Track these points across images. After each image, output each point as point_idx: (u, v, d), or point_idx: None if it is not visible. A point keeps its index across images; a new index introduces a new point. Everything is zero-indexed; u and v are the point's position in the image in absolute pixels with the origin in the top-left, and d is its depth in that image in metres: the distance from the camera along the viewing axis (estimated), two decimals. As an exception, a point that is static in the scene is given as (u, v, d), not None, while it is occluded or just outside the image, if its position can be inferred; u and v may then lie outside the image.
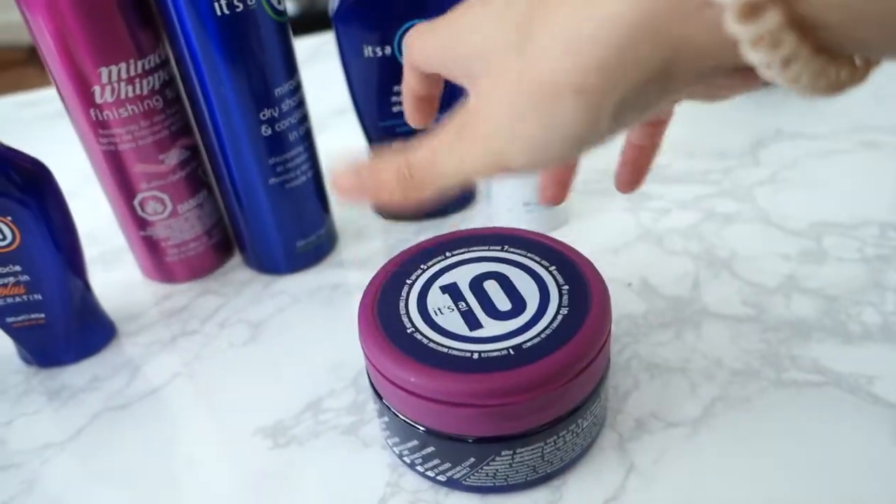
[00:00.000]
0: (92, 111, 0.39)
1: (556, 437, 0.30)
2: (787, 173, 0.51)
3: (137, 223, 0.44)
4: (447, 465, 0.31)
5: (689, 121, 0.59)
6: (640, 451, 0.33)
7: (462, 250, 0.35)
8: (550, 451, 0.31)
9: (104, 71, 0.37)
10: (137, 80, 0.38)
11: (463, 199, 0.50)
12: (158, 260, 0.45)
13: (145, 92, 0.39)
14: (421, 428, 0.30)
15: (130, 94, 0.38)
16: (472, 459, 0.30)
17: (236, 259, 0.48)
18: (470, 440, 0.30)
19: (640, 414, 0.35)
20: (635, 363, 0.37)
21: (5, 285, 0.37)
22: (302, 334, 0.42)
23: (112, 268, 0.49)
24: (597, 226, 0.48)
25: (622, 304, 0.41)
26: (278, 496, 0.33)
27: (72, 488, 0.35)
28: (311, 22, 0.84)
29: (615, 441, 0.34)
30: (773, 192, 0.49)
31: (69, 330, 0.40)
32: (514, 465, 0.30)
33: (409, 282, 0.33)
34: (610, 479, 0.32)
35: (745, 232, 0.46)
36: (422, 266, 0.34)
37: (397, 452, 0.33)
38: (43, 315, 0.39)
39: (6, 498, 0.34)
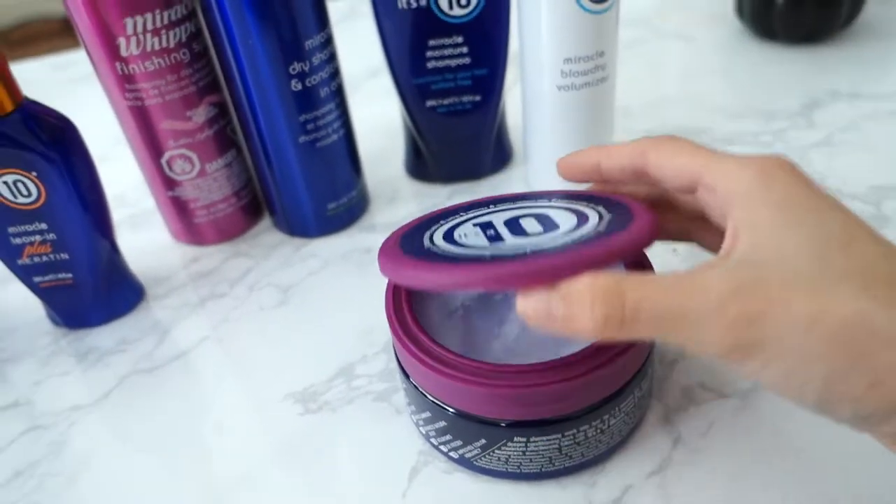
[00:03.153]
0: (118, 65, 0.37)
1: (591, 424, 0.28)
2: (843, 136, 0.48)
3: (165, 183, 0.42)
4: (458, 442, 0.29)
5: (735, 81, 0.57)
6: (688, 422, 0.31)
7: (509, 205, 0.32)
8: (569, 445, 0.28)
9: (129, 22, 0.36)
10: (163, 32, 0.37)
11: (499, 160, 0.48)
12: (187, 221, 0.44)
13: (172, 45, 0.37)
14: (434, 400, 0.29)
15: (156, 47, 0.37)
16: (484, 441, 0.28)
17: (266, 222, 0.47)
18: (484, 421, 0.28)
19: (687, 383, 0.33)
20: (682, 331, 0.35)
21: (32, 243, 0.36)
22: (333, 299, 0.41)
23: (141, 230, 0.48)
24: (640, 189, 0.45)
25: (667, 269, 0.39)
26: (309, 463, 0.32)
27: (99, 451, 0.34)
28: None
29: (661, 412, 0.32)
30: (829, 155, 0.46)
31: (97, 291, 0.39)
32: (527, 453, 0.28)
33: (442, 223, 0.31)
34: (655, 451, 0.30)
35: (799, 196, 0.43)
36: (462, 213, 0.31)
37: (414, 421, 0.31)
38: (70, 275, 0.38)
39: (34, 459, 0.34)
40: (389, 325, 0.30)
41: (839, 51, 0.57)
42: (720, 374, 0.33)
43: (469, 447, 0.29)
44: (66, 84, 0.67)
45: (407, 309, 0.30)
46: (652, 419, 0.32)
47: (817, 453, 0.30)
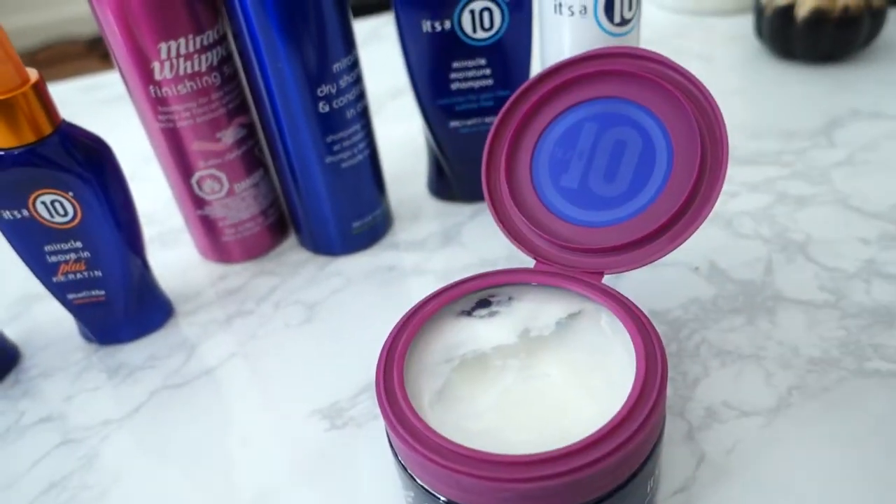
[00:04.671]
0: (151, 88, 0.38)
1: None
2: (865, 155, 0.48)
3: (195, 202, 0.43)
4: None
5: (756, 100, 0.57)
6: (712, 441, 0.32)
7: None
8: None
9: (163, 46, 0.37)
10: (196, 56, 0.38)
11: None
12: (215, 240, 0.45)
13: (203, 68, 0.38)
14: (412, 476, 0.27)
15: (189, 71, 0.38)
16: None
17: (292, 240, 0.48)
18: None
19: (710, 402, 0.33)
20: (704, 349, 0.36)
21: (67, 261, 0.37)
22: (357, 315, 0.41)
23: (170, 248, 0.49)
24: (661, 208, 0.46)
25: (689, 288, 0.39)
26: (336, 478, 0.33)
27: (129, 465, 0.35)
28: (368, 3, 0.83)
29: (684, 430, 0.32)
30: (851, 174, 0.46)
31: (128, 308, 0.40)
32: None
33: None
34: (679, 469, 0.31)
35: (820, 215, 0.43)
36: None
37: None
38: (103, 292, 0.39)
39: (66, 472, 0.34)
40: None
41: (859, 70, 0.57)
42: (743, 392, 0.33)
43: None
44: (93, 105, 0.69)
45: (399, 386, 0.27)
46: (675, 437, 0.32)
47: (846, 472, 0.30)
